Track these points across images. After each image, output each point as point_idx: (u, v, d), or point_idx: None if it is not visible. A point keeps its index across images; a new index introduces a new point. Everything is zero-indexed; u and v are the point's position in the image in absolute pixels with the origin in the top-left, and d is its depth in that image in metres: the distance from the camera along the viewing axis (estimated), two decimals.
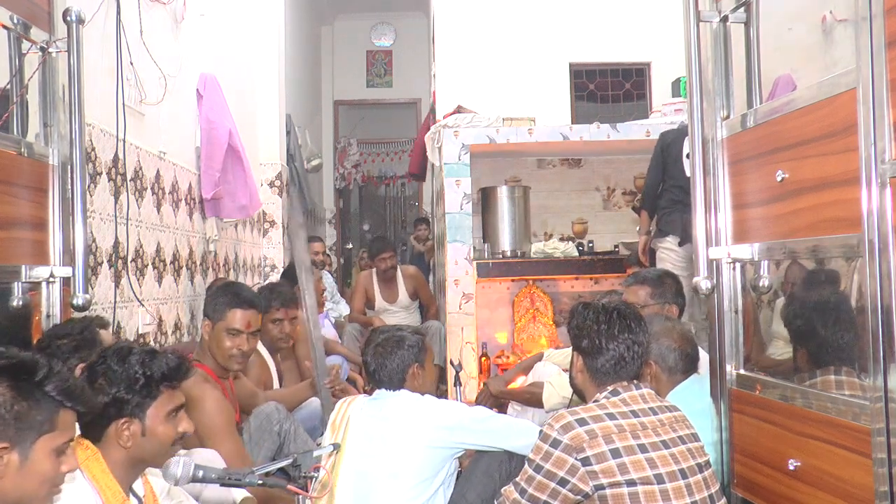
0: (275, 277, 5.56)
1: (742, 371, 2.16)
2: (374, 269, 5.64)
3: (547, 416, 3.09)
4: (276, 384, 3.55)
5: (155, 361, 1.67)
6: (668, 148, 3.95)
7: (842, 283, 1.83)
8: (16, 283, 2.09)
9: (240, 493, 2.21)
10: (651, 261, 4.13)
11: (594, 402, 1.92)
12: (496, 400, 3.35)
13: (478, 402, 3.39)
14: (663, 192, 4.02)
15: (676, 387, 2.31)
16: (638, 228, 4.31)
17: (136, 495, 1.71)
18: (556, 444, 1.79)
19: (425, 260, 7.59)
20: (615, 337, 1.94)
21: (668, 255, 3.90)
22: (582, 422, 1.81)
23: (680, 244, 3.81)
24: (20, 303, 2.11)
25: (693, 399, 2.25)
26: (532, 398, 3.11)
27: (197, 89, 4.03)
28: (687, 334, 2.40)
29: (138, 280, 3.18)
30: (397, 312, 5.54)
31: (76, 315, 2.25)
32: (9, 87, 2.13)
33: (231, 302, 2.62)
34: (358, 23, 9.40)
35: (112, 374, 1.63)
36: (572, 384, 2.09)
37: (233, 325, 2.60)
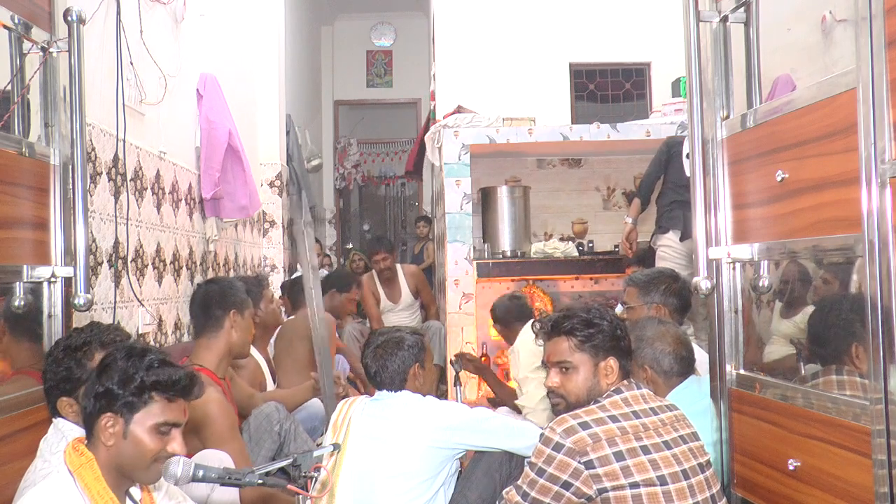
0: (274, 277, 5.56)
1: (742, 371, 2.16)
2: (374, 271, 5.64)
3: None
4: (270, 384, 3.55)
5: (156, 369, 1.63)
6: (674, 150, 3.95)
7: (841, 283, 1.83)
8: (18, 283, 2.09)
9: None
10: (650, 259, 4.14)
11: (595, 403, 1.92)
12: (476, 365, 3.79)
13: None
14: (665, 192, 4.03)
15: (674, 389, 2.31)
16: (626, 216, 4.33)
17: (132, 499, 1.71)
18: (558, 447, 1.79)
19: (423, 257, 7.59)
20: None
21: (668, 252, 3.90)
22: (585, 425, 1.81)
23: (681, 239, 3.82)
24: (22, 302, 2.10)
25: (692, 400, 2.25)
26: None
27: (197, 89, 4.03)
28: (681, 337, 2.38)
29: (138, 280, 3.18)
30: (400, 312, 5.54)
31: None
32: (10, 87, 2.13)
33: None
34: (358, 23, 9.41)
35: (114, 366, 1.63)
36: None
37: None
